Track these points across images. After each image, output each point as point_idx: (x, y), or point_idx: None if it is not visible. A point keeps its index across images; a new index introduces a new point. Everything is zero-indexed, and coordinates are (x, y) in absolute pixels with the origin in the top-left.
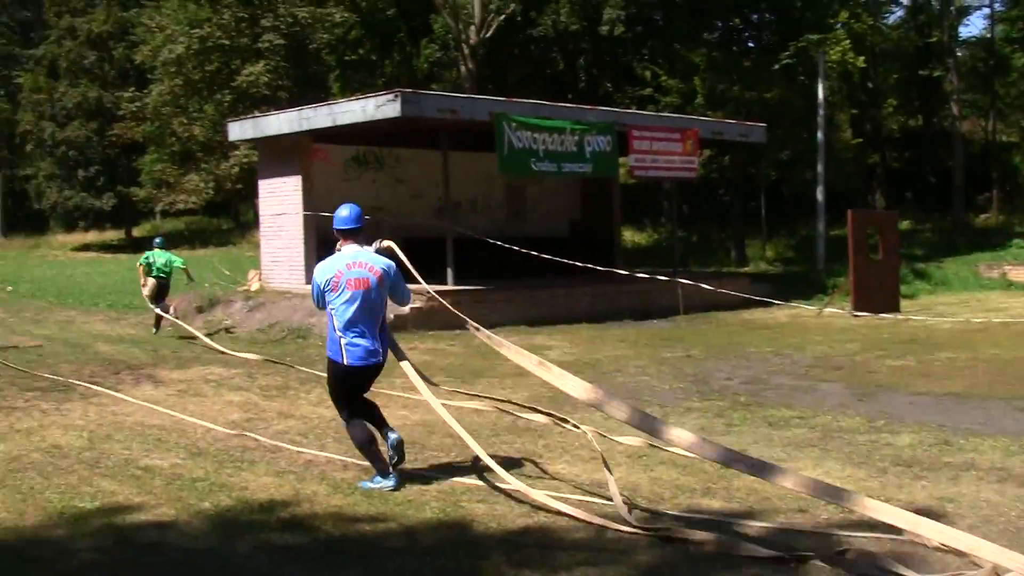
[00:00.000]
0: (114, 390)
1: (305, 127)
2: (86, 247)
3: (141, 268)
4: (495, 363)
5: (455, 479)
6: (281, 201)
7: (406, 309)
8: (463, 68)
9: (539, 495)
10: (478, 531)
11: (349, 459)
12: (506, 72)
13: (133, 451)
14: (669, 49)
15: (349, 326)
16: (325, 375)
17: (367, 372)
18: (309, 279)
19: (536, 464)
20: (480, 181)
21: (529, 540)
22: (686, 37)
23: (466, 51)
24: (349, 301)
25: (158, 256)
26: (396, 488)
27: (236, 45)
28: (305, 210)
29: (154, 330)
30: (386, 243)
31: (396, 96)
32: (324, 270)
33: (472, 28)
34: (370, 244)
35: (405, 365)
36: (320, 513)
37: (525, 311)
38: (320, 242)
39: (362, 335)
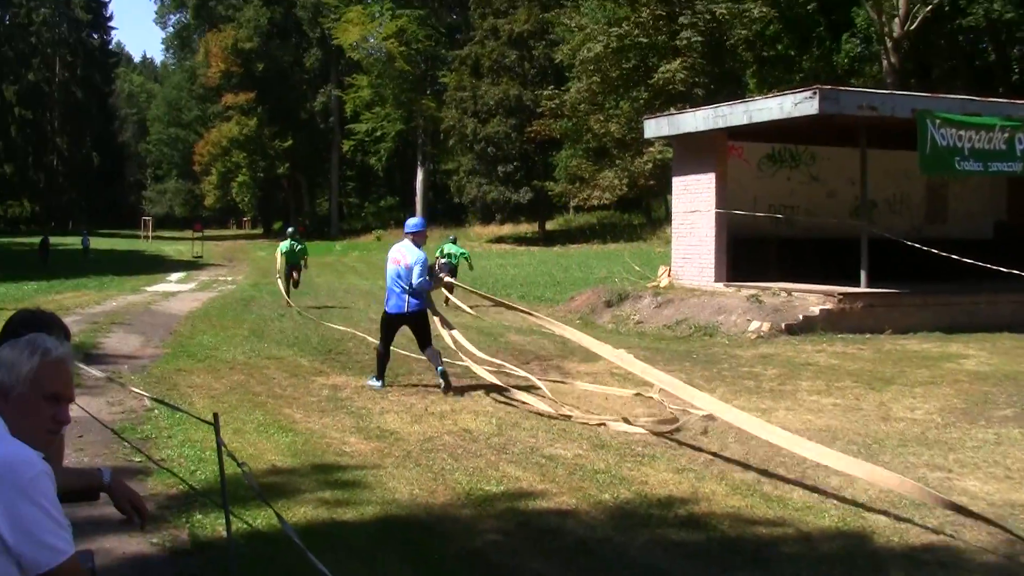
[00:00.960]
0: (524, 379)
1: (721, 124)
2: (500, 239)
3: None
4: (905, 369)
5: (853, 491)
6: (694, 198)
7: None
8: (885, 62)
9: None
10: (878, 543)
11: (748, 460)
12: (930, 66)
13: (538, 439)
14: None
15: (389, 287)
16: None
17: (397, 318)
18: (719, 277)
19: (946, 478)
20: (898, 180)
21: (931, 558)
22: None
23: (888, 45)
24: (388, 273)
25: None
26: (380, 388)
27: (654, 43)
28: (718, 207)
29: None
30: (446, 280)
31: (815, 93)
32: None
33: (896, 20)
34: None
35: (435, 319)
36: (717, 512)
37: (941, 317)
38: (732, 240)
39: (392, 294)
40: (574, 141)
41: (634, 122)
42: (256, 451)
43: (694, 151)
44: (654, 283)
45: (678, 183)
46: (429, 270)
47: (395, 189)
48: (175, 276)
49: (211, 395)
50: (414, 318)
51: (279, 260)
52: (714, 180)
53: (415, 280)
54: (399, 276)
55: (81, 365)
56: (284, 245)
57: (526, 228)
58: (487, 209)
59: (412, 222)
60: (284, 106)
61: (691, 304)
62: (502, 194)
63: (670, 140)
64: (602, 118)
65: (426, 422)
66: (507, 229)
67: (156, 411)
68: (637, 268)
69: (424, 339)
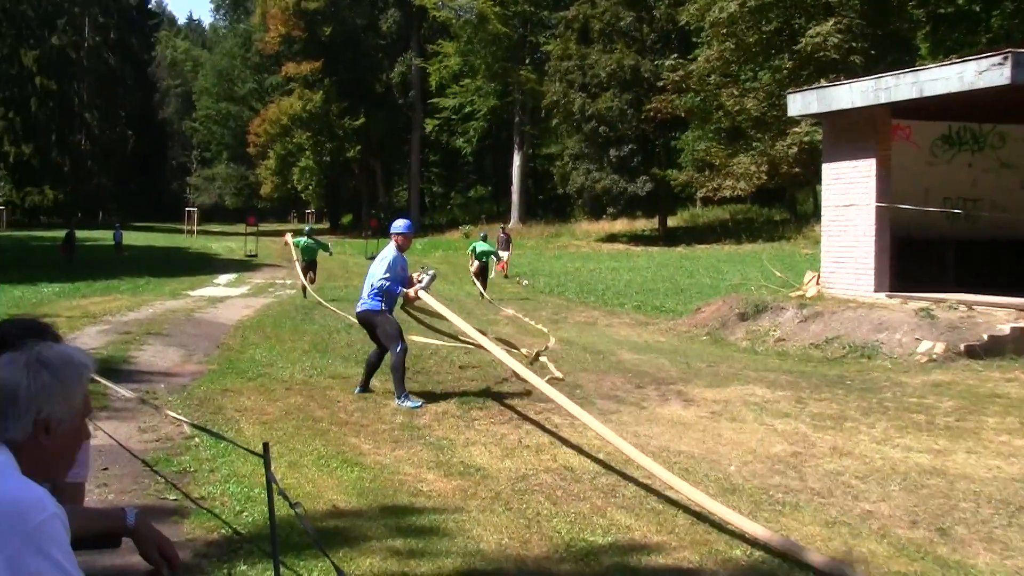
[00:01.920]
0: (638, 406)
1: (883, 99)
2: (612, 237)
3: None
4: None
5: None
6: (849, 189)
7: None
8: None
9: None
10: None
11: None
12: None
13: (654, 480)
14: None
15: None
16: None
17: (359, 315)
18: (879, 286)
19: None
20: None
21: None
22: None
23: None
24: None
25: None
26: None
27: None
28: (879, 201)
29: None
30: (413, 292)
31: (1006, 58)
32: None
33: None
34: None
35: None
36: None
37: None
38: (897, 241)
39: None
40: (702, 120)
41: (776, 97)
42: (314, 489)
43: (850, 132)
44: (799, 292)
45: (829, 171)
46: (409, 280)
47: (486, 177)
48: (224, 278)
49: (263, 421)
50: (361, 318)
51: (295, 251)
52: (875, 167)
53: (377, 280)
54: (368, 276)
55: (108, 383)
56: (301, 240)
57: (644, 224)
58: (596, 201)
59: (397, 223)
60: (355, 78)
61: (845, 318)
62: (615, 183)
63: (820, 119)
64: (736, 92)
65: (519, 457)
66: (620, 225)
67: (197, 439)
68: (778, 274)
69: (378, 344)
